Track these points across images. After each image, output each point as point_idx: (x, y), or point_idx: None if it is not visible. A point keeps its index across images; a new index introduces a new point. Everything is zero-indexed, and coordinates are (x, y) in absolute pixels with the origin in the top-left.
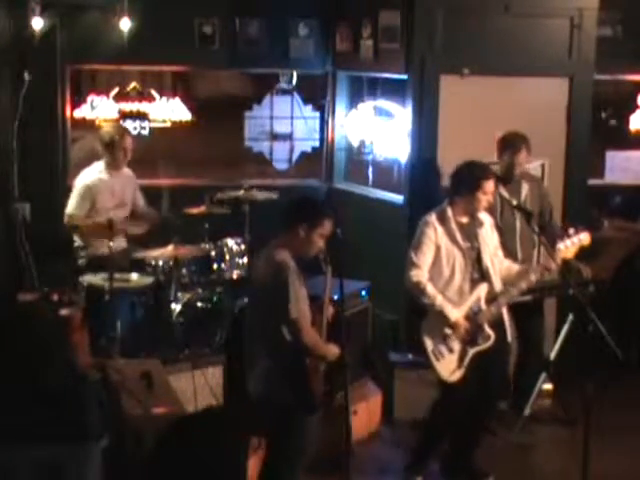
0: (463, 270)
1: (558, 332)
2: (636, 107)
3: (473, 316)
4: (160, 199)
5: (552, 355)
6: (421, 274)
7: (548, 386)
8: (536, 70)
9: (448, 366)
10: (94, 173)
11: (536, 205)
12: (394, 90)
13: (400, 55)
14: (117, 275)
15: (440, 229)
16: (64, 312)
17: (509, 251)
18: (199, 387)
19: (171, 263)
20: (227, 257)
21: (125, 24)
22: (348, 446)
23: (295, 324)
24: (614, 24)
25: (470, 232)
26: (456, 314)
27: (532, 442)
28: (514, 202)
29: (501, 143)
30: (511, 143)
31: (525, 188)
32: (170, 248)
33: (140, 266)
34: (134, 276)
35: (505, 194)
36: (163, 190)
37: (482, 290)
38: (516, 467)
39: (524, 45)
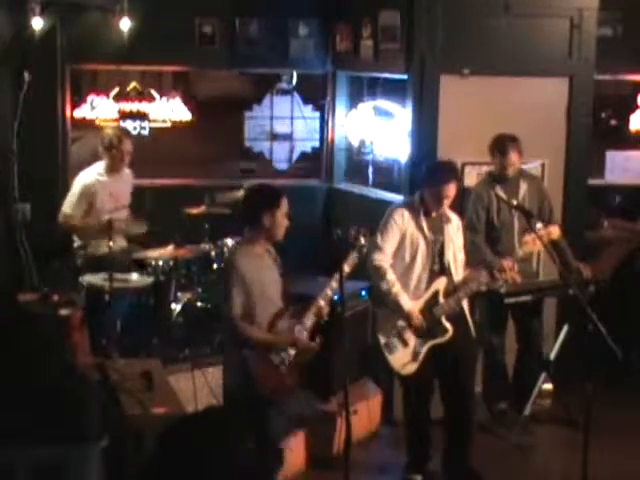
0: (425, 260)
1: (558, 332)
2: (636, 107)
3: (430, 309)
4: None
5: (552, 355)
6: (384, 259)
7: (548, 386)
8: (536, 70)
9: (401, 359)
10: (93, 174)
11: (535, 204)
12: (394, 90)
13: (400, 55)
14: (117, 275)
15: (408, 216)
16: (64, 312)
17: (508, 250)
18: (199, 387)
19: (171, 263)
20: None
21: (125, 24)
22: (348, 446)
23: (229, 320)
24: (614, 24)
25: (436, 226)
26: (410, 305)
27: (532, 442)
28: (514, 202)
29: (490, 146)
30: (498, 147)
31: (523, 187)
32: (170, 248)
33: (140, 266)
34: (134, 276)
35: (501, 194)
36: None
37: (440, 284)
38: (516, 467)
39: (524, 45)
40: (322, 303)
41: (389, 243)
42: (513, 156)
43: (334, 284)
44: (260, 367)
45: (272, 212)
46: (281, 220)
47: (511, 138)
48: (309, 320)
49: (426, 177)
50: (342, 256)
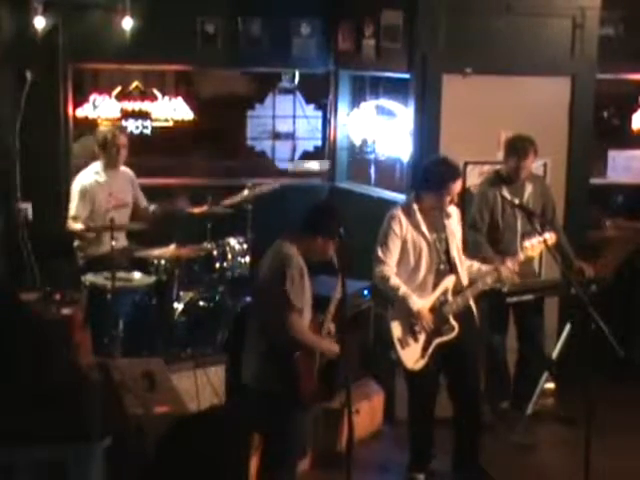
0: (428, 262)
1: (560, 331)
2: (638, 106)
3: (439, 307)
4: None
5: (554, 354)
6: (387, 269)
7: (550, 385)
8: (538, 69)
9: (413, 355)
10: (90, 174)
11: (539, 204)
12: (396, 89)
13: (402, 54)
14: (119, 274)
15: (405, 222)
16: (66, 312)
17: (511, 251)
18: (201, 386)
19: (173, 262)
20: (229, 256)
21: (127, 23)
22: (350, 445)
23: (289, 318)
24: (616, 23)
25: (437, 223)
26: (419, 304)
27: (534, 442)
28: (516, 201)
29: (508, 146)
30: (519, 148)
31: (529, 188)
32: (172, 247)
33: (142, 265)
34: (136, 275)
35: (506, 194)
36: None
37: (449, 281)
38: (517, 467)
39: (526, 44)
40: (332, 309)
41: (390, 254)
42: (531, 159)
43: (336, 294)
44: (305, 371)
45: (328, 240)
46: (329, 249)
47: (530, 141)
48: (332, 326)
49: (430, 178)
50: (344, 255)
